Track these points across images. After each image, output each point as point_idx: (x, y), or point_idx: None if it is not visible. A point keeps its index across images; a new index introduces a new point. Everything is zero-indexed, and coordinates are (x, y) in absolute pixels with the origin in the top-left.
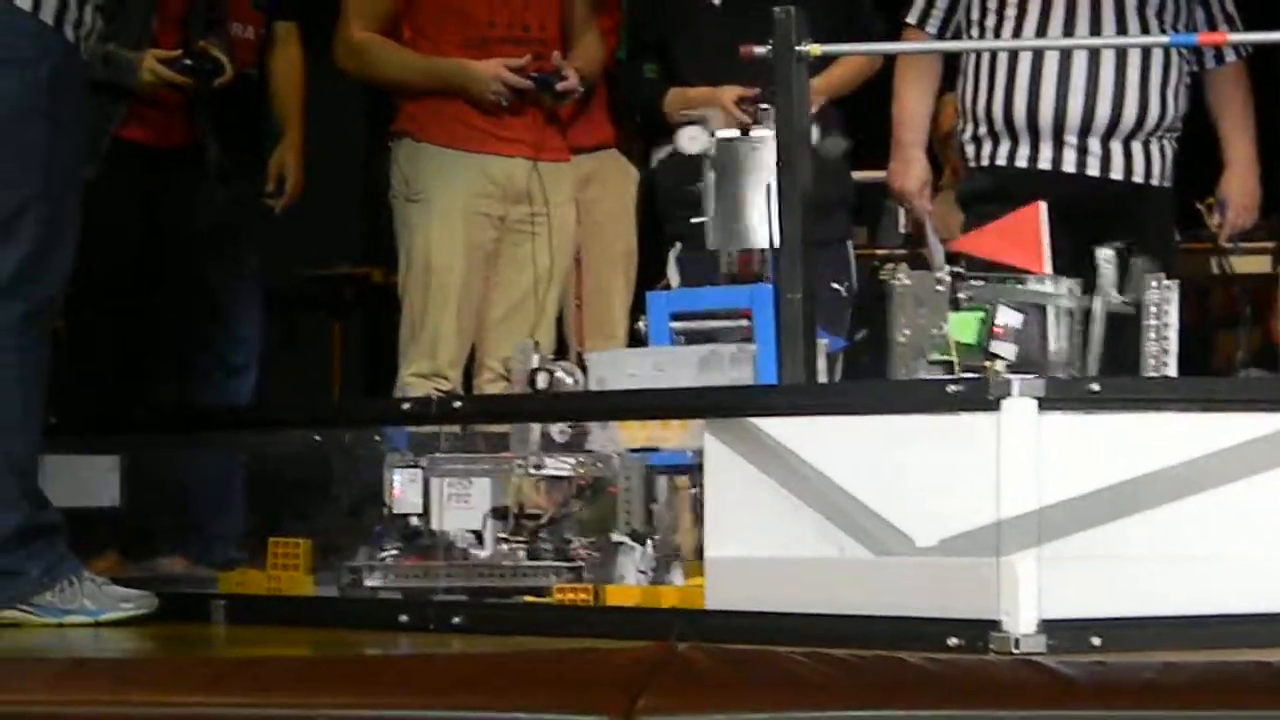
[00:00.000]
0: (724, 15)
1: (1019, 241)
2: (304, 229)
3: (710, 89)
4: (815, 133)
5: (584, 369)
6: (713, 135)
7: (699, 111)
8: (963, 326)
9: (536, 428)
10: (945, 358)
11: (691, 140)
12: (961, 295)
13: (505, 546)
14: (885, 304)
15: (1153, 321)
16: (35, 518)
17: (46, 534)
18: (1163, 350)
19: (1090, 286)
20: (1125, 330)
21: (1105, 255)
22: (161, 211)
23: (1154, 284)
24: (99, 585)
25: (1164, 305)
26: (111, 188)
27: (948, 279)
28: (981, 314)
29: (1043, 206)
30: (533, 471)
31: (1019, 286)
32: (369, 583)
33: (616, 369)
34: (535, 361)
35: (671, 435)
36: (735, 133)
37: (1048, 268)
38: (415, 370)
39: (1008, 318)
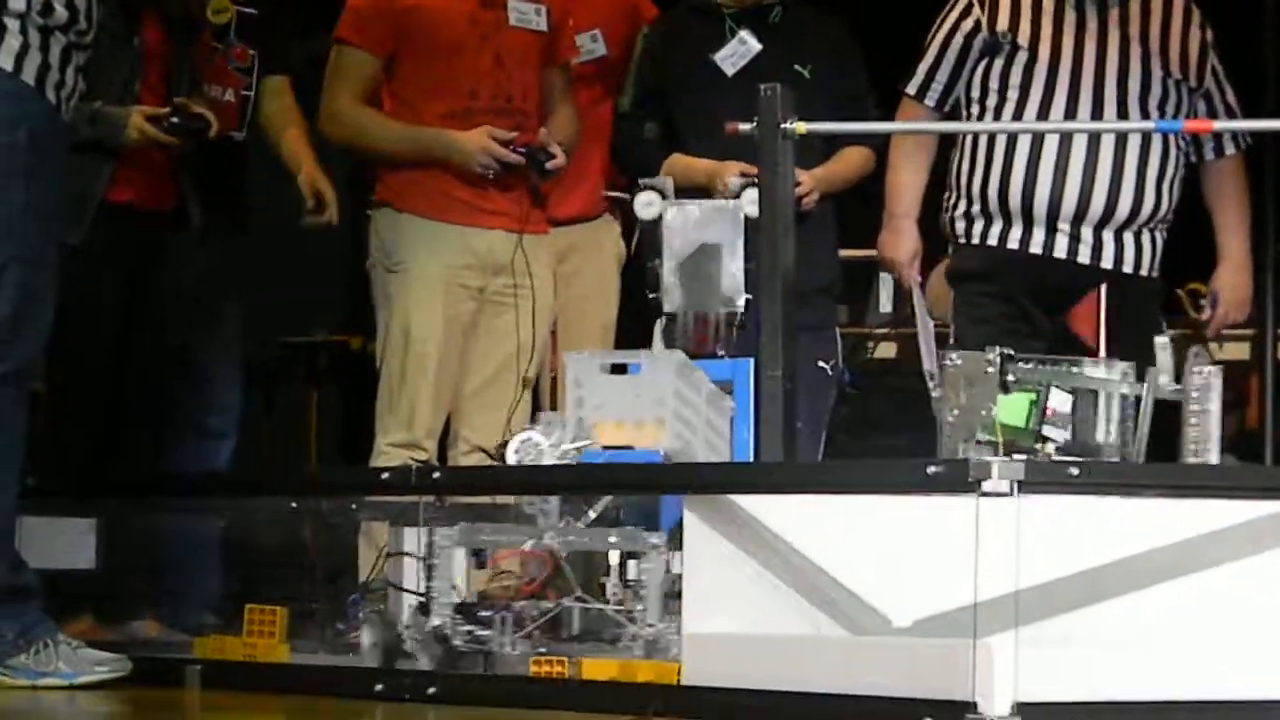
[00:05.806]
0: (733, 86)
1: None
2: (283, 296)
3: (715, 164)
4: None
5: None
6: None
7: (657, 180)
8: (1012, 409)
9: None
10: (992, 439)
11: (646, 206)
12: (1011, 377)
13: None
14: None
15: (1194, 408)
16: (11, 580)
17: (22, 596)
18: (1204, 435)
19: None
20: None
21: (1161, 343)
22: (144, 274)
23: (1197, 371)
24: (74, 648)
25: (1206, 392)
26: (95, 249)
27: (997, 360)
28: (1032, 396)
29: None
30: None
31: (1074, 370)
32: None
33: (590, 369)
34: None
35: (644, 437)
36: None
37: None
38: (392, 440)
39: (1058, 401)
